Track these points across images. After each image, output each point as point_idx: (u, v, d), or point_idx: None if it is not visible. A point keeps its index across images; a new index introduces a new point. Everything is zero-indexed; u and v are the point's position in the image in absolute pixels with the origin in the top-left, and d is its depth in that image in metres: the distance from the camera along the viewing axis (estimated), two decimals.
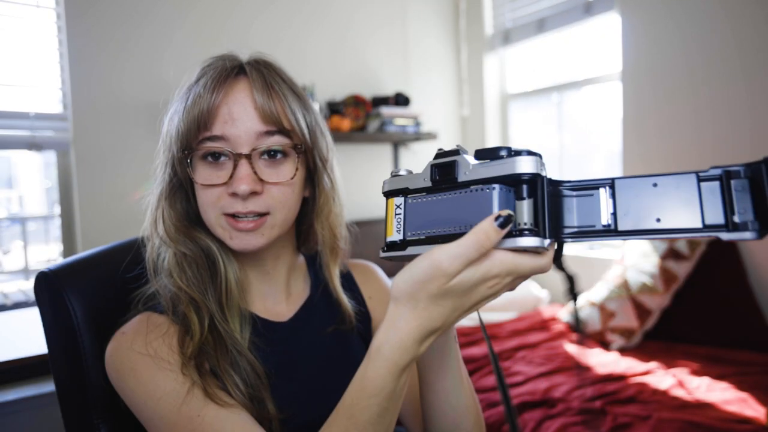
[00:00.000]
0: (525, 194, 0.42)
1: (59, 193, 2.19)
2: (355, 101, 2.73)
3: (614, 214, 0.42)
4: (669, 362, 1.79)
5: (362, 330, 0.82)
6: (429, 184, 0.47)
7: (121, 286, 0.74)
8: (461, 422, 0.64)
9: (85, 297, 0.72)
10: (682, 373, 1.70)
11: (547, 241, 0.41)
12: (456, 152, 0.46)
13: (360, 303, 0.83)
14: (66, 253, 2.20)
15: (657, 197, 0.41)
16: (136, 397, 0.61)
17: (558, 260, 0.46)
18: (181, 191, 0.72)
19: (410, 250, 0.47)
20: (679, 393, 1.56)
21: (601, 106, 2.71)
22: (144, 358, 0.62)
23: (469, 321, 2.29)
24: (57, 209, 2.21)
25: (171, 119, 0.69)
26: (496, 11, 3.13)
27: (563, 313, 2.32)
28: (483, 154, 0.44)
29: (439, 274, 0.42)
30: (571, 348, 2.00)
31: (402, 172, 0.50)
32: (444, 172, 0.46)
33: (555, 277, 2.69)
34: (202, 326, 0.65)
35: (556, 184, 0.44)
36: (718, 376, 1.64)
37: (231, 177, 0.65)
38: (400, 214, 0.48)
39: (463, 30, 3.28)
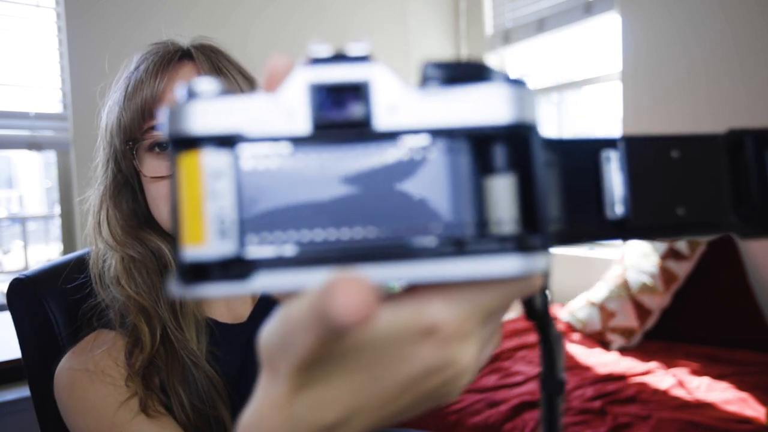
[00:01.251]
0: (501, 164, 0.21)
1: (59, 193, 2.19)
2: None
3: (625, 198, 0.25)
4: (669, 362, 1.79)
5: None
6: (305, 129, 0.21)
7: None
8: None
9: (66, 303, 0.69)
10: (682, 373, 1.70)
11: (548, 257, 0.22)
12: (365, 58, 0.21)
13: None
14: (66, 253, 2.20)
15: (680, 175, 0.25)
16: (68, 413, 0.58)
17: (543, 300, 0.28)
18: (127, 189, 0.66)
19: (262, 281, 0.20)
20: (679, 393, 1.56)
21: (601, 106, 2.71)
22: (81, 374, 0.59)
23: None
24: (57, 209, 2.21)
25: (110, 111, 0.64)
26: (496, 11, 3.13)
27: (563, 313, 2.32)
28: (430, 72, 0.22)
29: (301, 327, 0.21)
30: (571, 348, 2.00)
31: (207, 86, 0.21)
32: (343, 103, 0.21)
33: (554, 274, 2.70)
34: (154, 337, 0.60)
35: (551, 146, 0.24)
36: (718, 376, 1.64)
37: None
38: (224, 193, 0.20)
39: (463, 30, 3.28)
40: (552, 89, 2.91)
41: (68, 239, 2.19)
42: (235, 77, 0.64)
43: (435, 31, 3.24)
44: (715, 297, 1.95)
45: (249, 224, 0.21)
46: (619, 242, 0.27)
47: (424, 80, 0.22)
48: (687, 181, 0.26)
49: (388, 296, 0.22)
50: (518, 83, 0.22)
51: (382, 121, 0.21)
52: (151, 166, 0.62)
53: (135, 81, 0.61)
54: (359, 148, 0.21)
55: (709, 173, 0.26)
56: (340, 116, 0.21)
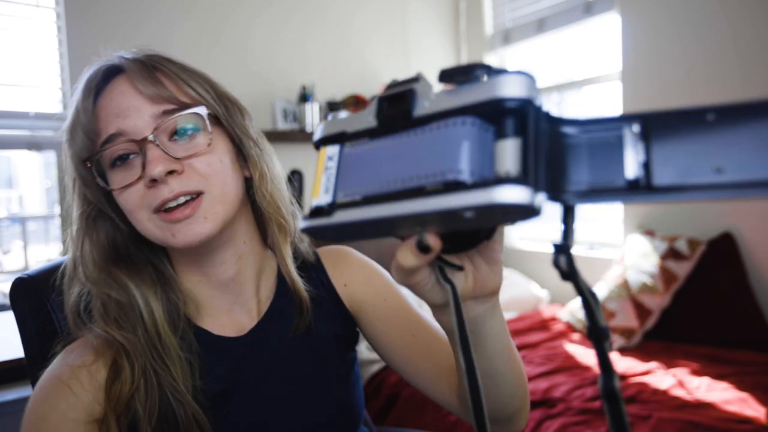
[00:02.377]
0: (509, 131, 0.28)
1: (59, 193, 2.19)
2: (356, 101, 2.73)
3: (646, 164, 0.28)
4: (669, 362, 1.79)
5: (336, 328, 0.74)
6: (374, 124, 0.33)
7: None
8: (503, 406, 0.58)
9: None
10: (682, 373, 1.70)
11: (540, 195, 0.28)
12: (415, 79, 0.33)
13: (331, 296, 0.75)
14: (66, 253, 2.20)
15: (715, 137, 0.27)
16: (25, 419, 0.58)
17: (569, 260, 0.30)
18: (102, 218, 0.64)
19: (338, 217, 0.32)
20: (679, 393, 1.56)
21: (601, 106, 2.71)
22: (52, 381, 0.58)
23: None
24: (57, 209, 2.21)
25: (65, 147, 0.63)
26: (496, 11, 3.13)
27: (563, 313, 2.32)
28: (450, 76, 0.31)
29: None
30: (571, 348, 2.00)
31: (342, 114, 0.37)
32: (395, 105, 0.32)
33: (555, 274, 2.69)
34: (134, 375, 0.58)
35: (556, 123, 0.30)
36: (718, 376, 1.64)
37: (144, 168, 0.58)
38: (331, 168, 0.34)
39: (463, 30, 3.28)
40: (552, 89, 2.91)
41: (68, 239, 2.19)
42: (174, 71, 0.62)
43: (435, 31, 3.24)
44: (715, 297, 1.95)
45: (341, 184, 0.34)
46: (642, 202, 0.27)
47: (440, 80, 0.31)
48: (727, 142, 0.26)
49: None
50: (525, 74, 0.29)
51: (418, 111, 0.31)
52: (116, 179, 0.60)
53: (74, 109, 0.61)
54: (404, 132, 0.32)
55: (748, 134, 0.26)
56: (392, 112, 0.33)
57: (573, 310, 2.25)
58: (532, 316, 2.39)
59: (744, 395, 1.50)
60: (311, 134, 2.66)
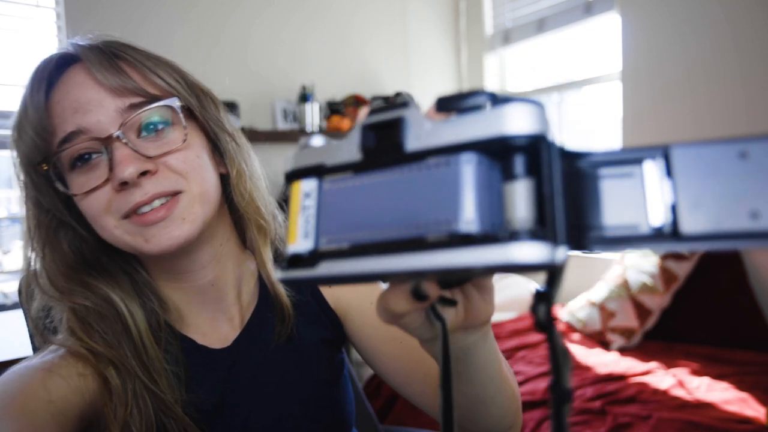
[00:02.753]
0: (520, 171, 0.25)
1: None
2: (355, 101, 2.73)
3: (674, 206, 0.24)
4: (669, 362, 1.79)
5: (323, 332, 0.70)
6: (359, 157, 0.28)
7: None
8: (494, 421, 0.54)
9: None
10: (682, 373, 1.70)
11: (561, 252, 0.24)
12: (403, 104, 0.28)
13: (317, 299, 0.70)
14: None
15: (748, 176, 0.23)
16: None
17: (548, 310, 0.28)
18: (63, 228, 0.57)
19: (324, 269, 0.28)
20: (679, 393, 1.56)
21: (601, 106, 2.71)
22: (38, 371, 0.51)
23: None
24: None
25: (12, 148, 0.56)
26: (496, 11, 3.13)
27: (563, 313, 2.32)
28: (447, 105, 0.27)
29: None
30: (571, 348, 2.00)
31: (317, 142, 0.31)
32: (383, 136, 0.28)
33: None
34: (126, 394, 0.53)
35: (570, 158, 0.27)
36: (718, 376, 1.64)
37: (111, 169, 0.51)
38: (310, 207, 0.29)
39: (463, 30, 3.28)
40: (552, 89, 2.91)
41: None
42: (139, 59, 0.56)
43: (435, 31, 3.24)
44: (715, 297, 1.95)
45: (323, 228, 0.28)
46: (670, 251, 0.25)
47: (439, 110, 0.27)
48: (762, 183, 0.23)
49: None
50: (534, 103, 0.25)
51: (411, 145, 0.27)
52: (78, 183, 0.53)
53: (24, 104, 0.54)
54: (396, 168, 0.27)
55: None
56: (379, 144, 0.28)
57: (573, 309, 2.25)
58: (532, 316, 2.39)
59: (744, 395, 1.50)
60: (311, 134, 2.66)
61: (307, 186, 0.30)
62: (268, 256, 0.65)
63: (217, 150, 0.61)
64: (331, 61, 2.82)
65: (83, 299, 0.55)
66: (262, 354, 0.65)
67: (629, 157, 0.26)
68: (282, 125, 2.62)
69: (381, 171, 0.27)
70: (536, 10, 2.87)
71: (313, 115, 2.63)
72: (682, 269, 1.99)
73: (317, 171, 0.30)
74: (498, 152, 0.25)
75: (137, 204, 0.52)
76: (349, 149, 0.29)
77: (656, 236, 0.25)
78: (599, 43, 2.69)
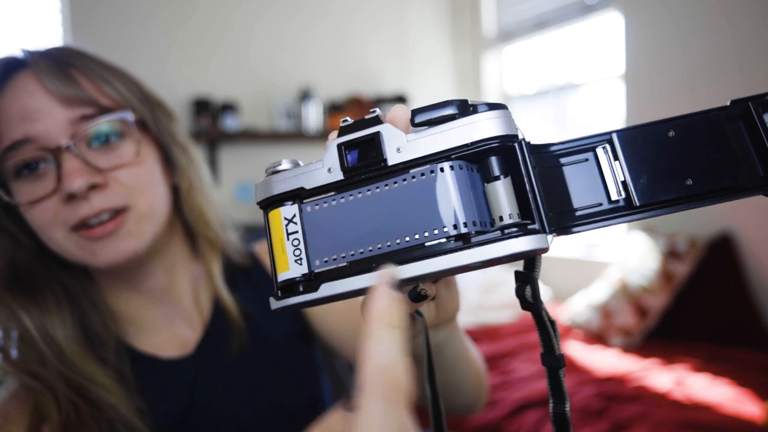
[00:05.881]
0: (498, 170, 0.28)
1: None
2: (355, 101, 2.73)
3: (625, 182, 0.29)
4: (668, 362, 1.79)
5: (288, 326, 0.68)
6: (339, 176, 0.29)
7: None
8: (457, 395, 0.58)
9: None
10: (681, 372, 1.70)
11: (551, 237, 0.28)
12: (375, 120, 0.29)
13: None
14: None
15: (680, 151, 0.28)
16: None
17: (534, 289, 0.31)
18: (2, 236, 0.55)
19: (326, 290, 0.29)
20: (679, 393, 1.57)
21: (601, 105, 2.71)
22: None
23: (470, 317, 2.29)
24: None
25: None
26: (495, 11, 3.13)
27: (563, 313, 2.33)
28: (420, 117, 0.28)
29: None
30: (571, 348, 2.00)
31: (284, 165, 0.31)
32: (362, 153, 0.29)
33: (556, 274, 2.70)
34: (60, 405, 0.50)
35: (538, 150, 0.30)
36: (718, 376, 1.64)
37: (59, 180, 0.50)
38: (296, 233, 0.30)
39: (462, 30, 3.28)
40: (552, 89, 2.91)
41: None
42: (92, 68, 0.55)
43: (434, 30, 3.24)
44: (714, 297, 1.96)
45: (314, 251, 0.29)
46: (627, 222, 0.29)
47: (416, 124, 0.28)
48: (689, 155, 0.28)
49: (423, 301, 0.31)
50: (500, 107, 0.28)
51: (393, 158, 0.28)
52: (23, 192, 0.52)
53: None
54: (380, 183, 0.29)
55: (714, 143, 0.28)
56: (360, 161, 0.29)
57: (573, 310, 2.25)
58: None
59: (743, 394, 1.50)
60: (311, 134, 2.66)
61: (287, 212, 0.30)
62: (217, 269, 0.64)
63: (170, 161, 0.60)
64: (331, 61, 2.83)
65: (6, 320, 0.53)
66: (227, 358, 0.63)
67: (583, 145, 0.30)
68: (282, 125, 2.62)
69: (365, 187, 0.29)
70: (536, 9, 2.87)
71: (313, 115, 2.63)
72: (682, 269, 1.99)
73: (295, 197, 0.30)
74: (475, 156, 0.28)
75: (84, 217, 0.51)
76: (328, 168, 0.30)
77: (616, 210, 0.29)
78: (599, 42, 2.69)
